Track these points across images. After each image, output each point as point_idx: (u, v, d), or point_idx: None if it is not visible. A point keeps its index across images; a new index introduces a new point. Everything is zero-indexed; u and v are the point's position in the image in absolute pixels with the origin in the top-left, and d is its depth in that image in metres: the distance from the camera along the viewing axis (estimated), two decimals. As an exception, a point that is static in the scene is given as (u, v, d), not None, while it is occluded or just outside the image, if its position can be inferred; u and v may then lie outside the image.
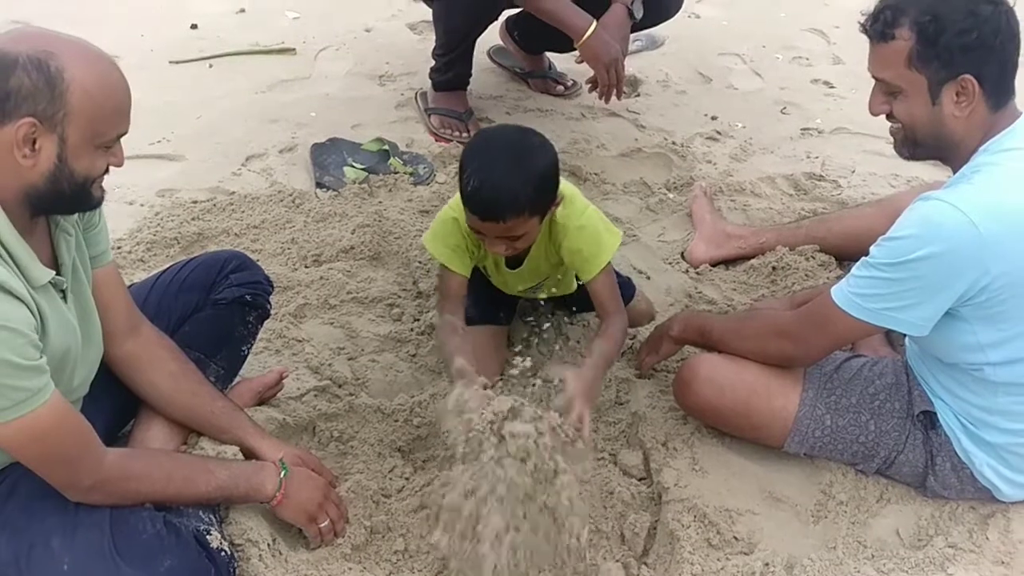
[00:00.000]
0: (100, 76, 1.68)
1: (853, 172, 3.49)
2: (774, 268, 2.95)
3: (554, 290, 2.56)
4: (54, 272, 1.78)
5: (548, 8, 3.10)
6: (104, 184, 1.82)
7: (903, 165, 3.21)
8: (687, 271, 3.04)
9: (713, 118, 3.83)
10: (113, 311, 2.04)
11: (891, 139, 2.20)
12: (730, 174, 3.48)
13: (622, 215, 3.23)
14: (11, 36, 1.67)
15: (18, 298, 1.65)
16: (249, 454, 2.13)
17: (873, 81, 2.14)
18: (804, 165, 3.56)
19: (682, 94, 3.99)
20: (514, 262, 2.40)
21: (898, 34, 2.03)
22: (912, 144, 2.15)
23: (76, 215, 1.90)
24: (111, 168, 1.79)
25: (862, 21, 2.14)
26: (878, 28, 2.07)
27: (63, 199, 1.74)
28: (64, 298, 1.83)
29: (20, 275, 1.69)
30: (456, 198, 2.31)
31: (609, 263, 2.36)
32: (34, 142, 1.65)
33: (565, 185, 2.29)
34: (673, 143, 3.63)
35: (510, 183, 2.09)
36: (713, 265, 3.05)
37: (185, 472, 1.96)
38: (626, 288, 2.68)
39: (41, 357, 1.69)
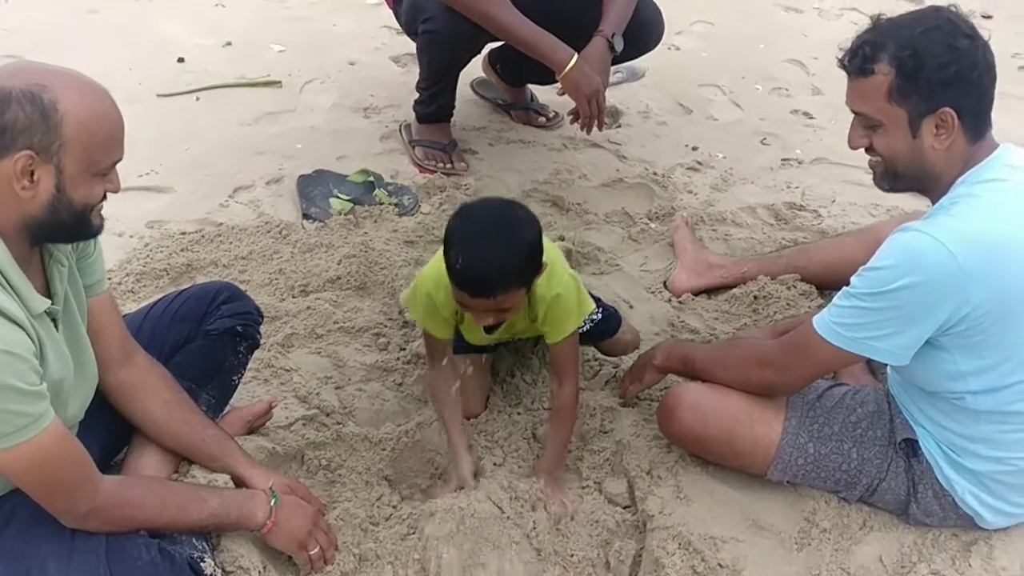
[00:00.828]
0: (93, 106, 1.72)
1: (833, 202, 3.54)
2: (756, 297, 2.99)
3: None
4: (50, 301, 1.81)
5: (529, 41, 3.14)
6: (103, 212, 1.85)
7: (883, 195, 3.19)
8: (669, 300, 3.07)
9: (694, 149, 3.88)
10: (107, 339, 2.06)
11: (871, 170, 2.25)
12: (711, 204, 3.52)
13: (604, 245, 3.27)
14: (4, 71, 1.70)
15: (18, 324, 1.67)
16: (239, 482, 2.15)
17: (852, 114, 2.19)
18: (785, 195, 3.61)
19: (663, 125, 4.04)
20: (492, 327, 2.40)
21: (878, 69, 2.06)
22: (892, 177, 2.18)
23: (71, 245, 1.92)
24: (108, 195, 1.82)
25: (840, 56, 2.16)
26: (857, 63, 2.10)
27: (63, 228, 1.77)
28: (56, 327, 1.86)
29: (19, 303, 1.71)
30: (430, 268, 2.36)
31: (576, 330, 2.39)
32: (32, 174, 1.67)
33: (548, 249, 2.30)
34: (654, 173, 3.67)
35: (499, 259, 2.12)
36: (695, 294, 3.09)
37: (178, 500, 1.98)
38: (612, 320, 2.72)
39: (41, 383, 1.72)
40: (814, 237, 3.30)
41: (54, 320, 1.86)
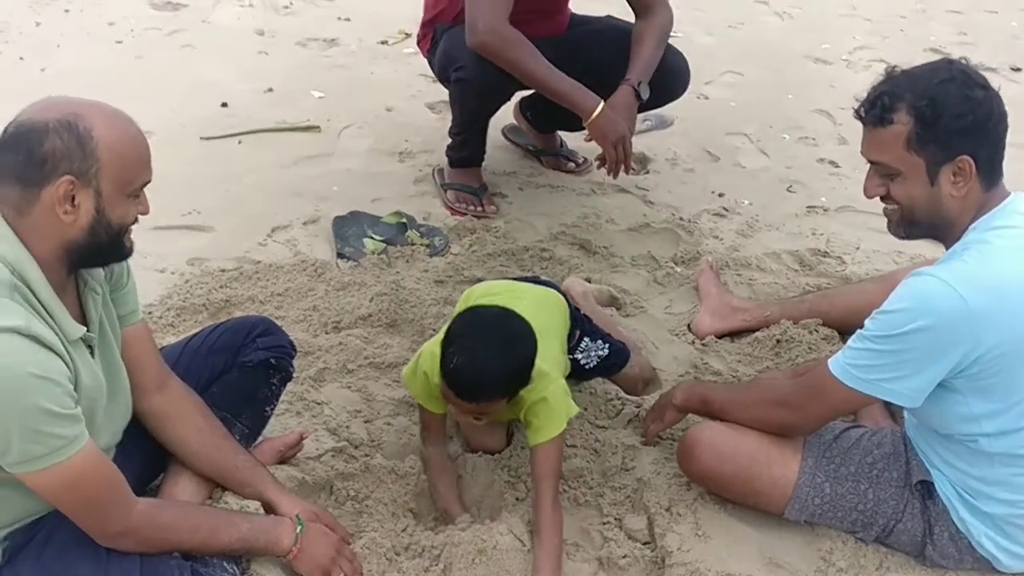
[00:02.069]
0: (123, 131, 1.83)
1: (857, 249, 3.60)
2: (778, 341, 3.04)
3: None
4: (85, 328, 1.90)
5: (558, 90, 3.25)
6: (132, 237, 1.95)
7: (906, 243, 3.30)
8: (693, 343, 3.13)
9: (720, 195, 3.95)
10: (142, 367, 2.15)
11: (886, 218, 2.31)
12: (736, 249, 3.59)
13: (629, 287, 3.35)
14: (37, 107, 1.82)
15: (54, 351, 1.76)
16: (268, 508, 2.23)
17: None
18: (809, 241, 3.67)
19: (690, 172, 4.12)
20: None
21: (896, 118, 2.12)
22: (909, 224, 2.24)
23: (104, 277, 2.03)
24: (139, 218, 1.93)
25: (856, 107, 2.23)
26: (876, 113, 2.16)
27: (100, 250, 1.88)
28: (92, 354, 1.95)
29: (56, 329, 1.81)
30: (427, 349, 2.44)
31: (559, 435, 2.40)
32: (73, 199, 1.78)
33: (543, 348, 2.35)
34: (681, 219, 3.75)
35: (490, 372, 2.21)
36: (719, 337, 3.14)
37: (211, 523, 2.06)
38: (619, 355, 2.80)
39: (76, 407, 1.80)
40: (837, 283, 3.35)
41: (90, 347, 1.95)
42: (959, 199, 2.14)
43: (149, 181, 1.91)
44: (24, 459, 1.74)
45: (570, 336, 2.67)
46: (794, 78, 4.96)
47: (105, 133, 1.79)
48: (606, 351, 2.75)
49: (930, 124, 2.09)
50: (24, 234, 1.80)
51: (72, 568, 1.91)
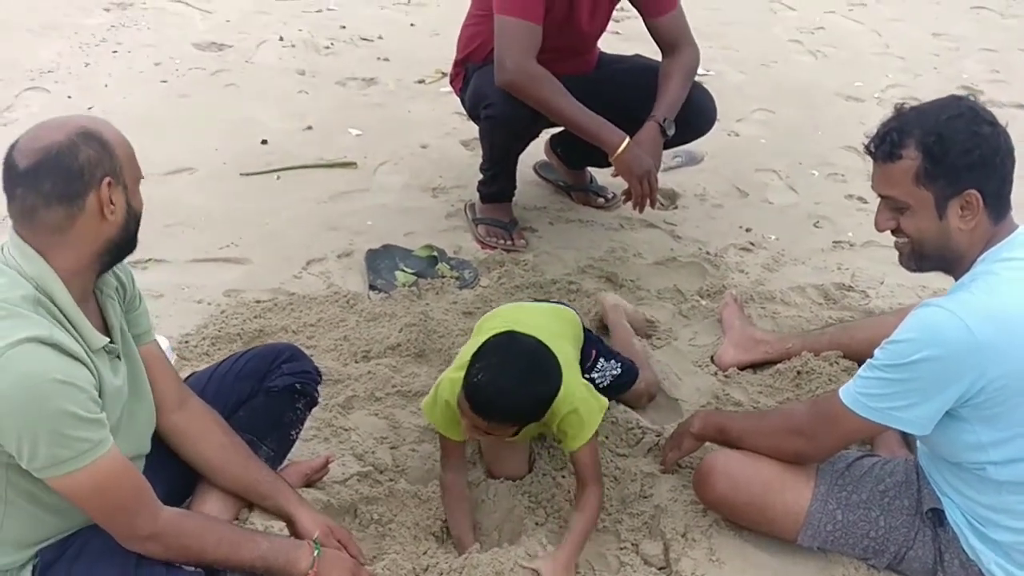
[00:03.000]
0: (116, 131, 1.99)
1: (882, 283, 3.63)
2: (799, 372, 3.08)
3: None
4: (108, 339, 2.01)
5: (584, 126, 3.33)
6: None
7: (930, 277, 3.31)
8: (716, 374, 3.18)
9: (747, 230, 4.01)
10: (160, 385, 2.25)
11: (898, 252, 2.35)
12: (761, 283, 3.64)
13: (655, 319, 3.41)
14: (43, 130, 1.92)
15: (78, 359, 1.86)
16: (288, 520, 2.31)
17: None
18: (834, 276, 3.71)
19: (718, 207, 4.18)
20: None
21: (905, 154, 2.17)
22: (919, 257, 2.29)
23: (120, 302, 2.14)
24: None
25: (866, 143, 2.29)
26: (885, 149, 2.21)
27: (128, 241, 2.01)
28: (118, 358, 2.05)
29: (79, 340, 1.91)
30: (447, 376, 2.51)
31: (595, 435, 2.50)
32: (111, 198, 1.91)
33: (567, 364, 2.44)
34: (707, 253, 3.81)
35: (510, 396, 2.28)
36: (741, 369, 3.19)
37: (233, 538, 2.14)
38: (630, 373, 2.89)
39: (101, 412, 1.89)
40: (860, 317, 3.38)
41: (117, 356, 2.05)
42: (967, 232, 2.19)
43: None
44: (51, 463, 1.83)
45: (586, 356, 2.74)
46: (825, 116, 5.01)
47: (111, 135, 1.95)
48: (619, 370, 2.84)
49: (938, 159, 2.14)
50: (59, 253, 1.91)
51: (101, 583, 2.00)
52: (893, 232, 2.30)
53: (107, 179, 1.90)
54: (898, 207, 2.24)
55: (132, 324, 2.19)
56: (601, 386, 2.79)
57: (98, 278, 2.03)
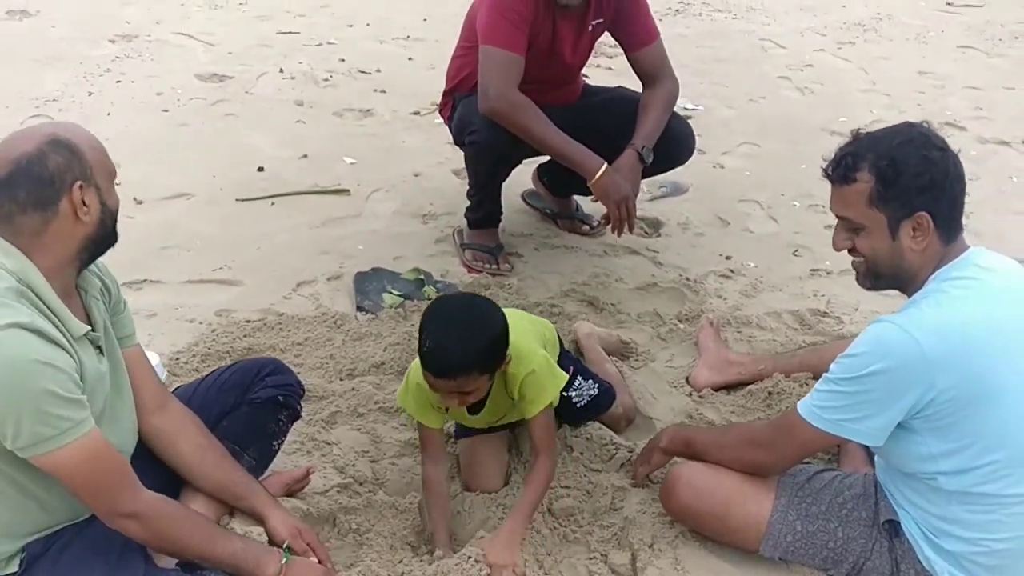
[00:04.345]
0: (85, 133, 2.10)
1: (856, 310, 3.72)
2: (770, 393, 3.16)
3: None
4: (89, 327, 2.11)
5: (564, 152, 3.45)
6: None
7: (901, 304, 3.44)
8: (690, 394, 3.26)
9: (728, 258, 4.10)
10: (142, 388, 2.35)
11: (854, 270, 2.46)
12: (739, 308, 3.73)
13: (632, 341, 3.49)
14: (15, 139, 2.04)
15: (59, 345, 1.97)
16: (260, 520, 2.40)
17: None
18: (810, 302, 3.80)
19: (700, 236, 4.28)
20: (475, 409, 2.68)
21: (859, 177, 2.28)
22: (874, 276, 2.39)
23: (104, 302, 2.24)
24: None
25: (824, 167, 2.41)
26: (840, 172, 2.33)
27: (106, 237, 2.12)
28: (101, 352, 2.15)
29: (61, 328, 2.01)
30: (414, 364, 2.61)
31: (549, 405, 2.62)
32: (83, 200, 2.02)
33: (520, 335, 2.58)
34: (687, 279, 3.90)
35: (461, 347, 2.39)
36: (715, 390, 3.27)
37: (209, 531, 2.24)
38: (606, 396, 2.97)
39: (82, 394, 1.99)
40: (833, 341, 3.47)
41: (99, 348, 2.15)
42: (919, 252, 2.29)
43: None
44: (34, 441, 1.93)
45: (563, 370, 2.80)
46: (809, 149, 5.10)
47: (80, 139, 2.05)
48: (596, 391, 2.92)
49: (890, 182, 2.25)
50: (39, 252, 2.01)
51: (86, 573, 2.09)
52: (850, 252, 2.41)
53: (78, 183, 2.01)
54: (853, 228, 2.34)
55: (117, 327, 2.29)
56: (579, 405, 2.89)
57: (80, 273, 2.14)
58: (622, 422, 3.05)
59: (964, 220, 4.15)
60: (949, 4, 7.83)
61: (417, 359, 2.53)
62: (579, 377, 2.90)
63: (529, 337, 2.68)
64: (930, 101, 5.82)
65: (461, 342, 2.39)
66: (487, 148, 3.60)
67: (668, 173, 4.07)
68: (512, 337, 2.52)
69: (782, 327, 3.63)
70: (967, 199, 4.30)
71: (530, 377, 2.57)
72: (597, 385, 2.93)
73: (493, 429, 2.86)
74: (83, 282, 2.18)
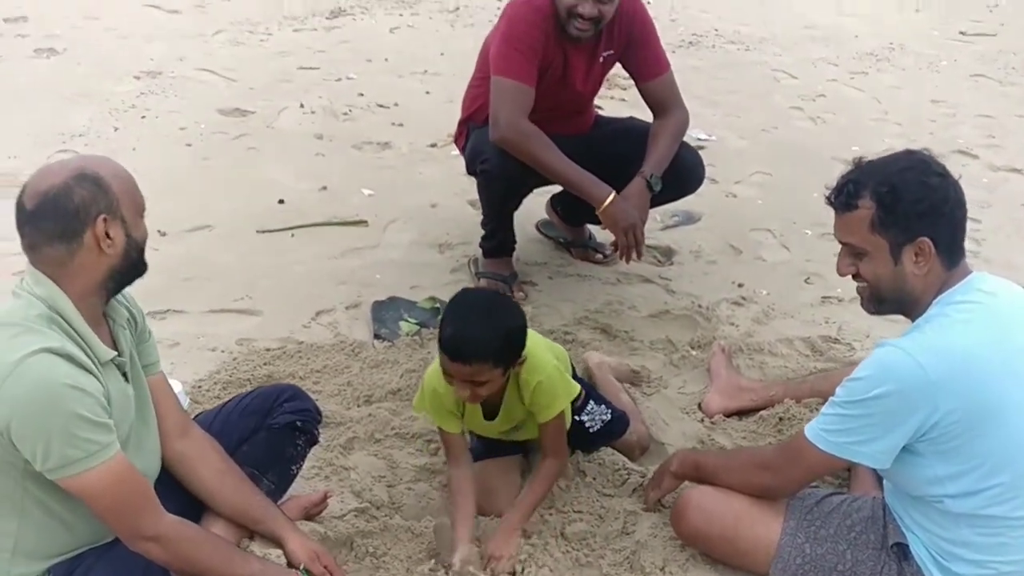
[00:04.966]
0: (115, 167, 2.17)
1: (867, 336, 3.76)
2: (781, 419, 3.21)
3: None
4: (116, 353, 2.18)
5: (572, 180, 3.54)
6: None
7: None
8: (702, 420, 3.31)
9: (740, 285, 4.16)
10: (165, 414, 2.42)
11: (858, 295, 2.50)
12: (751, 335, 3.78)
13: (644, 368, 3.54)
14: (42, 176, 2.11)
15: (87, 369, 2.04)
16: (279, 543, 2.45)
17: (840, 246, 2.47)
18: (822, 329, 3.85)
19: (713, 264, 4.34)
20: (491, 413, 2.76)
21: (860, 203, 2.34)
22: (877, 301, 2.44)
23: (130, 331, 2.31)
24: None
25: (826, 194, 2.47)
26: (843, 199, 2.39)
27: (132, 268, 2.18)
28: (126, 379, 2.22)
29: (89, 353, 2.08)
30: (433, 367, 2.70)
31: (562, 412, 2.71)
32: (107, 233, 2.09)
33: (534, 345, 2.67)
34: (700, 307, 3.96)
35: (480, 332, 2.49)
36: (727, 416, 3.32)
37: (228, 553, 2.30)
38: (619, 422, 3.02)
39: (109, 418, 2.06)
40: (844, 368, 3.51)
41: (124, 374, 2.22)
42: (921, 277, 2.33)
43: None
44: (63, 463, 2.00)
45: (576, 397, 2.87)
46: (822, 178, 5.04)
47: (107, 173, 2.12)
48: (609, 416, 2.98)
49: (891, 208, 2.30)
50: (67, 281, 2.09)
51: (107, 597, 2.15)
52: (854, 277, 2.45)
53: (102, 216, 2.07)
54: (856, 253, 2.39)
55: (142, 356, 2.36)
56: (592, 431, 2.95)
57: (107, 302, 2.21)
58: (636, 450, 3.10)
59: (975, 247, 4.28)
60: (962, 33, 7.91)
61: (434, 364, 2.59)
62: (591, 402, 2.95)
63: (543, 348, 2.77)
64: (942, 129, 5.88)
65: (480, 328, 2.49)
66: (498, 176, 3.67)
67: (680, 202, 4.13)
68: (528, 343, 2.61)
69: (793, 354, 3.68)
70: (978, 226, 4.49)
71: (542, 384, 2.65)
72: (610, 411, 2.98)
73: (503, 449, 2.93)
74: (111, 311, 2.25)
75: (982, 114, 6.15)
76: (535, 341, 2.71)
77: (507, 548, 2.58)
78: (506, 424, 2.80)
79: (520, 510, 2.69)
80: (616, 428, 3.01)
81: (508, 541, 2.61)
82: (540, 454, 2.81)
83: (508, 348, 2.56)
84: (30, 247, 2.10)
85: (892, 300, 2.41)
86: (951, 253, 2.35)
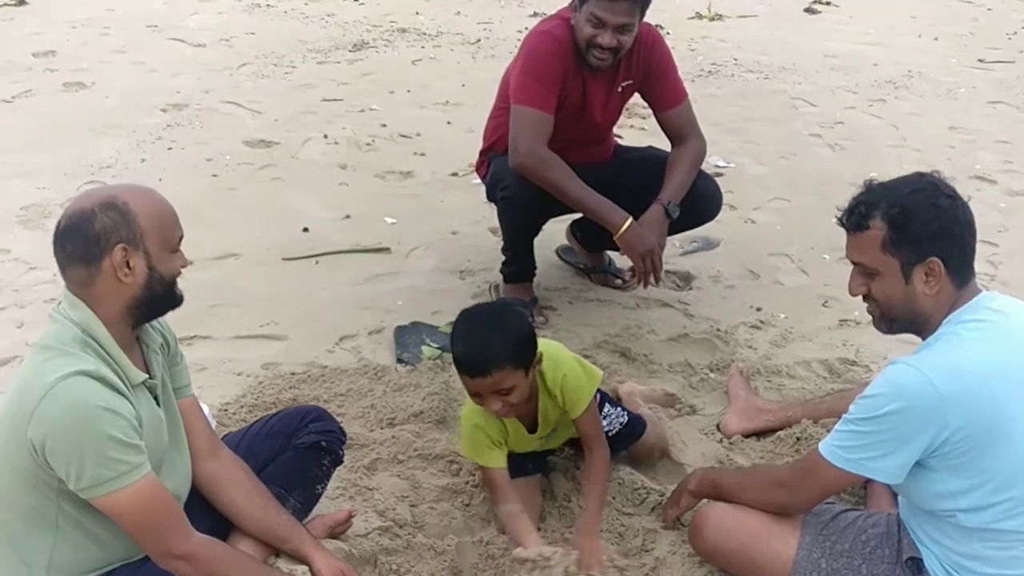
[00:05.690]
0: (151, 200, 2.21)
1: (884, 358, 3.78)
2: (798, 439, 3.24)
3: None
4: (147, 375, 2.24)
5: (590, 207, 3.61)
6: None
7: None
8: (721, 441, 3.35)
9: (758, 309, 4.20)
10: (196, 435, 2.47)
11: (870, 315, 2.55)
12: (769, 358, 3.82)
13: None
14: (79, 197, 2.21)
15: (119, 392, 2.11)
16: (305, 561, 2.50)
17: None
18: (839, 352, 3.88)
19: (731, 288, 4.39)
20: (532, 426, 2.84)
21: (872, 224, 2.39)
22: (889, 320, 2.48)
23: (162, 355, 2.37)
24: (183, 272, 2.29)
25: (838, 216, 2.53)
26: (854, 220, 2.45)
27: (157, 300, 2.23)
28: (157, 402, 2.29)
29: (121, 376, 2.15)
30: (468, 405, 2.78)
31: (593, 402, 2.79)
32: (128, 263, 2.14)
33: (547, 344, 2.77)
34: (718, 330, 4.01)
35: (490, 341, 2.57)
36: (745, 436, 3.35)
37: (256, 571, 2.36)
38: (637, 424, 3.10)
39: (140, 440, 2.12)
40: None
41: (156, 397, 2.29)
42: (932, 296, 2.38)
43: (183, 236, 2.28)
44: (95, 483, 2.06)
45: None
46: (839, 202, 5.19)
47: (139, 204, 2.15)
48: (625, 418, 3.07)
49: (902, 229, 2.35)
50: (92, 303, 2.16)
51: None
52: (864, 298, 2.50)
53: (120, 245, 2.13)
54: (868, 273, 2.44)
55: (174, 378, 2.43)
56: (610, 434, 3.02)
57: (135, 330, 2.27)
58: (656, 451, 3.18)
59: (992, 271, 4.31)
60: (980, 61, 7.95)
61: (467, 404, 2.66)
62: (607, 405, 3.04)
63: (557, 346, 2.87)
64: (960, 155, 5.92)
65: (490, 338, 2.58)
66: (518, 203, 3.75)
67: (699, 228, 4.19)
68: (542, 344, 2.71)
69: (811, 376, 3.72)
70: (996, 250, 4.53)
71: (567, 377, 2.75)
72: (626, 413, 3.07)
73: (524, 470, 2.97)
74: (145, 336, 2.32)
75: (1000, 140, 6.19)
76: (550, 342, 2.79)
77: (597, 549, 2.65)
78: (546, 429, 2.88)
79: (592, 511, 2.78)
80: (635, 430, 3.09)
81: (592, 540, 2.69)
82: (585, 451, 2.90)
83: (521, 348, 2.63)
84: (59, 267, 2.18)
85: (903, 319, 2.45)
86: (961, 273, 2.39)
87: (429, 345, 3.84)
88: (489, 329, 2.60)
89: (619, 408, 3.06)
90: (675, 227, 3.76)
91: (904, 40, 8.65)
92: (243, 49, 7.75)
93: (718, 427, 3.43)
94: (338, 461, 2.85)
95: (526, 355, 2.65)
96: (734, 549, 2.59)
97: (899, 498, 2.60)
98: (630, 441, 3.11)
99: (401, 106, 6.70)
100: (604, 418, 2.99)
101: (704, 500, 2.82)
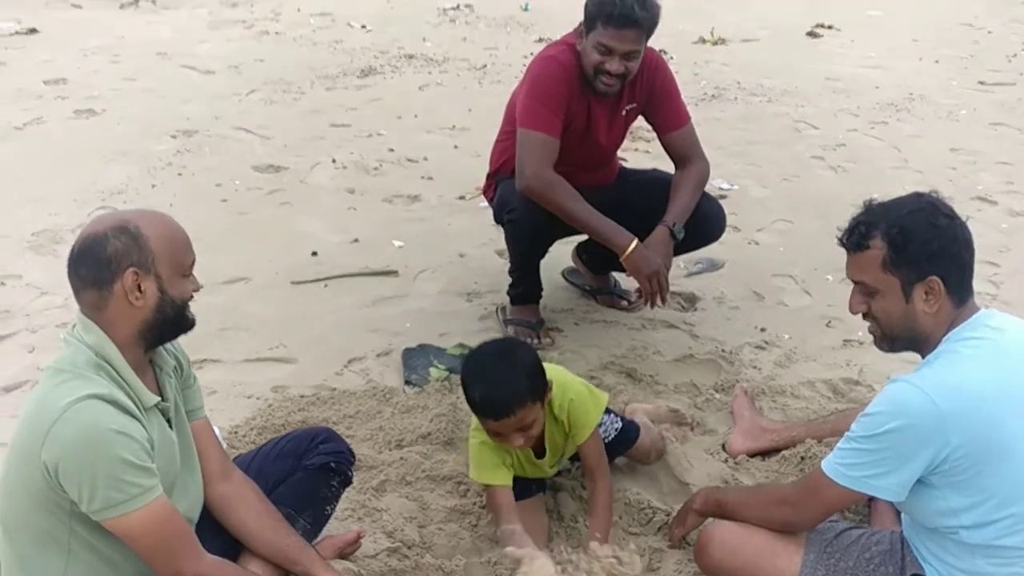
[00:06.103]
0: (163, 224, 2.25)
1: (888, 378, 3.77)
2: (803, 458, 3.27)
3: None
4: (159, 398, 2.28)
5: (596, 228, 3.66)
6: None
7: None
8: (726, 461, 3.37)
9: (762, 330, 4.24)
10: (208, 457, 2.51)
11: (871, 335, 2.59)
12: (773, 378, 3.85)
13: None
14: (93, 221, 2.25)
15: (132, 415, 2.14)
16: None
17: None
18: (843, 371, 3.91)
19: (735, 309, 4.42)
20: (540, 451, 2.88)
21: (872, 244, 2.43)
22: (890, 339, 2.52)
23: (176, 374, 2.41)
24: (196, 296, 2.33)
25: (839, 236, 2.57)
26: (855, 240, 2.49)
27: (169, 323, 2.27)
28: (170, 425, 2.32)
29: (134, 399, 2.19)
30: (474, 426, 2.82)
31: (597, 427, 2.84)
32: (139, 286, 2.18)
33: (552, 369, 2.82)
34: (723, 351, 4.04)
35: (507, 381, 2.60)
36: (750, 456, 3.38)
37: None
38: (630, 431, 3.17)
39: (152, 463, 2.15)
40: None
41: (168, 420, 2.32)
42: (932, 315, 2.42)
43: (195, 260, 2.32)
44: (107, 505, 2.10)
45: None
46: (842, 224, 5.25)
47: (152, 229, 2.19)
48: (620, 423, 3.14)
49: (901, 248, 2.39)
50: (105, 326, 2.20)
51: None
52: (864, 316, 2.54)
53: (132, 269, 2.16)
54: (868, 292, 2.48)
55: (187, 400, 2.47)
56: (607, 440, 3.07)
57: (147, 352, 2.31)
58: (652, 453, 3.24)
59: (994, 290, 4.34)
60: (981, 83, 8.01)
61: (473, 424, 2.69)
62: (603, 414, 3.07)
63: (561, 370, 2.92)
64: (961, 177, 5.96)
65: (504, 377, 2.61)
66: (524, 225, 3.80)
67: (703, 249, 4.24)
68: (547, 370, 2.76)
69: (816, 396, 3.75)
70: (997, 270, 4.57)
71: (574, 402, 2.80)
72: (619, 419, 3.14)
73: (528, 491, 3.01)
74: (158, 359, 2.37)
75: (1001, 161, 6.23)
76: (554, 367, 2.84)
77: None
78: (554, 456, 2.93)
79: (600, 539, 2.80)
80: (630, 435, 3.15)
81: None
82: (588, 483, 2.95)
83: (535, 381, 2.68)
84: (73, 291, 2.22)
85: (904, 338, 2.49)
86: (960, 291, 2.43)
87: (437, 367, 3.88)
88: (502, 368, 2.64)
89: (612, 415, 3.13)
90: (680, 248, 3.81)
91: (905, 63, 8.72)
92: (252, 76, 7.84)
93: (723, 447, 3.46)
94: (347, 482, 2.89)
95: (540, 386, 2.70)
96: (739, 567, 2.61)
97: (902, 515, 2.63)
98: (626, 447, 3.18)
99: (408, 131, 6.76)
100: (600, 427, 3.03)
101: (709, 519, 2.85)
